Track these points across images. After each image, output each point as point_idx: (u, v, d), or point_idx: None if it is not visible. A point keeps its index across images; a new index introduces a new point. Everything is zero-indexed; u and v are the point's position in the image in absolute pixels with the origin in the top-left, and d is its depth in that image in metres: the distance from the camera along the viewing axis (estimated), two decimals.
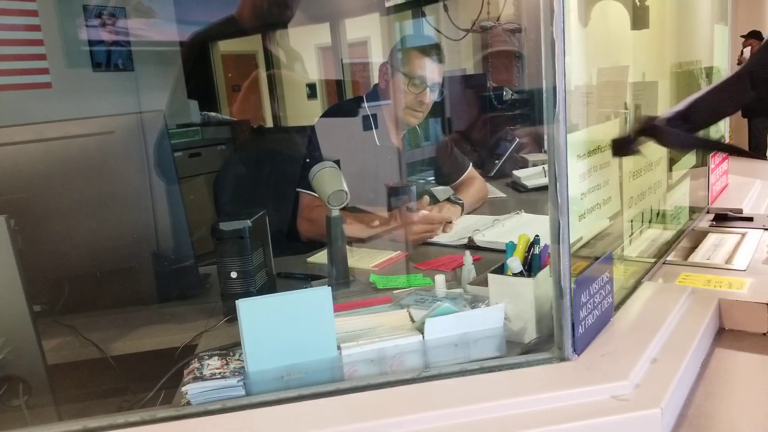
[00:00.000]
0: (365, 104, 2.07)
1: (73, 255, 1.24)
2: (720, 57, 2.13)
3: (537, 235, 1.09)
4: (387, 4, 3.86)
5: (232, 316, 1.25)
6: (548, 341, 1.02)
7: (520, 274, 1.06)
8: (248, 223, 1.16)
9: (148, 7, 3.90)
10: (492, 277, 1.08)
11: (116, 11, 3.84)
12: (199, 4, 3.84)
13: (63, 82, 3.69)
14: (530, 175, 2.51)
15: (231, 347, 1.11)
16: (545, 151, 3.15)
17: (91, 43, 3.83)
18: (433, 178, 2.36)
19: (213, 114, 4.51)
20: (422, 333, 0.99)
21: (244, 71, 4.77)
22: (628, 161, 1.25)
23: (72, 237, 1.23)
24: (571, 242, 0.95)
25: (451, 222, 1.83)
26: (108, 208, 1.24)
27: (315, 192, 1.45)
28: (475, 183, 2.24)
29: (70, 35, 3.74)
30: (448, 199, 2.01)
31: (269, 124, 4.67)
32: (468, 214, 2.04)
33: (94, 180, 1.22)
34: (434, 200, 2.25)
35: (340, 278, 1.39)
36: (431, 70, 1.98)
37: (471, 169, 2.29)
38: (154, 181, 1.23)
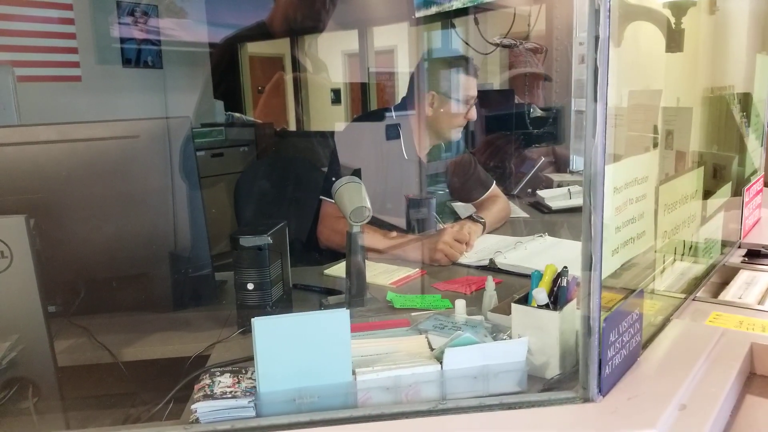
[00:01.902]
0: (393, 115, 2.06)
1: (91, 257, 1.23)
2: (760, 87, 2.07)
3: (565, 267, 1.05)
4: (416, 15, 3.85)
5: (246, 328, 1.23)
6: (571, 378, 0.98)
7: (546, 306, 1.02)
8: (268, 239, 1.14)
9: (179, 7, 3.93)
10: (516, 308, 1.04)
11: (149, 9, 3.88)
12: (230, 7, 3.86)
13: (92, 76, 3.73)
14: (554, 196, 2.46)
15: (243, 361, 1.09)
16: (570, 172, 3.11)
17: (122, 40, 3.87)
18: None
19: (237, 115, 4.53)
20: (441, 362, 0.95)
21: (271, 73, 4.80)
22: (664, 194, 1.21)
23: (90, 239, 1.21)
24: (603, 278, 0.91)
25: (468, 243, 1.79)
26: (128, 212, 1.22)
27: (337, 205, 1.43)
28: (498, 202, 2.20)
29: (102, 30, 3.79)
30: (470, 217, 1.98)
31: (292, 127, 4.68)
32: (489, 233, 2.01)
33: (115, 184, 1.20)
34: (455, 216, 2.22)
35: (357, 295, 1.36)
36: (474, 87, 2.02)
37: (494, 187, 2.25)
38: (175, 188, 1.22)
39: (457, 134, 2.06)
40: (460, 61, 2.11)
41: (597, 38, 0.85)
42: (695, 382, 1.00)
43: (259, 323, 0.88)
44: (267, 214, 2.15)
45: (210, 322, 1.32)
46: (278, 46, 4.67)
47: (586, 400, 0.92)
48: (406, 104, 2.09)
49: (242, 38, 3.79)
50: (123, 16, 3.80)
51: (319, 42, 4.23)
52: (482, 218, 1.96)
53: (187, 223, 1.25)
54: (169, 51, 4.11)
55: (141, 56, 4.00)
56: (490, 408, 0.90)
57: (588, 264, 0.89)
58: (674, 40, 1.57)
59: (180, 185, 1.25)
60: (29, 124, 1.16)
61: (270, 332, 0.89)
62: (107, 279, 1.24)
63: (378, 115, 2.24)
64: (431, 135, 2.07)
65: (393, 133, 2.04)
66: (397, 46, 4.92)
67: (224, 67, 3.61)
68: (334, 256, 1.80)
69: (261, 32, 2.90)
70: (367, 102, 4.84)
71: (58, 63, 3.60)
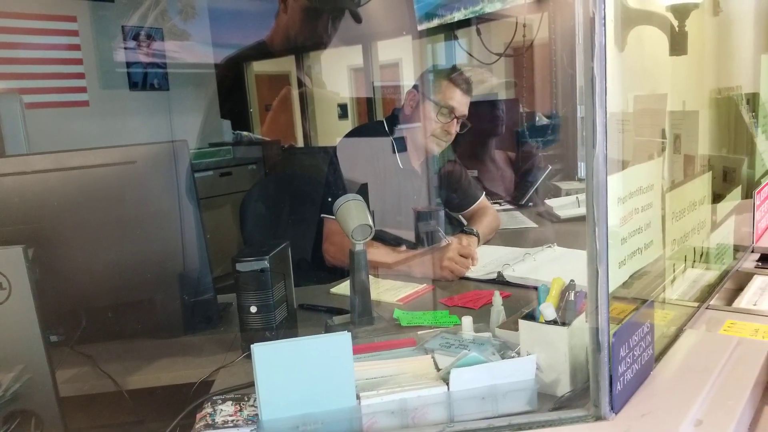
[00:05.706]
0: (386, 128, 2.05)
1: (92, 285, 1.22)
2: (767, 88, 2.04)
3: (572, 280, 1.02)
4: (419, 28, 3.85)
5: (250, 352, 1.21)
6: (583, 395, 0.95)
7: (554, 321, 1.00)
8: (266, 263, 1.12)
9: (182, 29, 3.97)
10: (523, 324, 1.01)
11: (153, 32, 3.91)
12: (234, 28, 3.89)
13: (100, 100, 3.76)
14: (563, 205, 2.43)
15: (246, 387, 1.07)
16: (578, 179, 3.07)
17: (128, 64, 3.91)
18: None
19: (245, 133, 4.53)
20: (447, 383, 0.93)
21: (277, 91, 4.82)
22: (671, 201, 1.18)
23: (91, 267, 1.21)
24: (610, 291, 0.89)
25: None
26: (128, 238, 1.22)
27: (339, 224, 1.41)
28: (488, 213, 2.18)
29: (108, 55, 3.82)
30: (462, 231, 1.95)
31: (300, 143, 4.68)
32: (486, 244, 1.99)
33: (114, 210, 1.20)
34: (454, 228, 2.19)
35: (363, 315, 1.34)
36: (460, 102, 1.97)
37: (483, 198, 2.23)
38: (175, 214, 1.21)
39: (436, 145, 2.00)
40: (456, 76, 2.06)
41: (593, 46, 0.84)
42: (711, 396, 0.97)
43: (258, 350, 0.87)
44: (271, 233, 2.14)
45: (214, 346, 1.31)
46: (284, 64, 4.69)
47: (598, 418, 0.90)
48: (400, 116, 2.08)
49: (244, 58, 3.81)
50: (128, 40, 3.84)
51: (324, 58, 4.25)
52: (474, 230, 1.93)
53: (189, 247, 1.24)
54: (175, 73, 4.14)
55: (147, 79, 4.03)
56: (499, 430, 0.88)
57: (594, 278, 0.87)
58: (678, 43, 1.55)
59: (181, 209, 1.24)
60: (23, 154, 1.16)
61: (270, 358, 0.87)
62: (109, 306, 1.23)
63: (372, 129, 2.23)
64: (423, 145, 2.06)
65: (388, 145, 2.03)
66: (402, 59, 4.93)
67: (229, 87, 3.63)
68: (343, 273, 1.78)
69: (262, 51, 2.91)
70: (373, 116, 4.85)
71: (65, 89, 3.64)
